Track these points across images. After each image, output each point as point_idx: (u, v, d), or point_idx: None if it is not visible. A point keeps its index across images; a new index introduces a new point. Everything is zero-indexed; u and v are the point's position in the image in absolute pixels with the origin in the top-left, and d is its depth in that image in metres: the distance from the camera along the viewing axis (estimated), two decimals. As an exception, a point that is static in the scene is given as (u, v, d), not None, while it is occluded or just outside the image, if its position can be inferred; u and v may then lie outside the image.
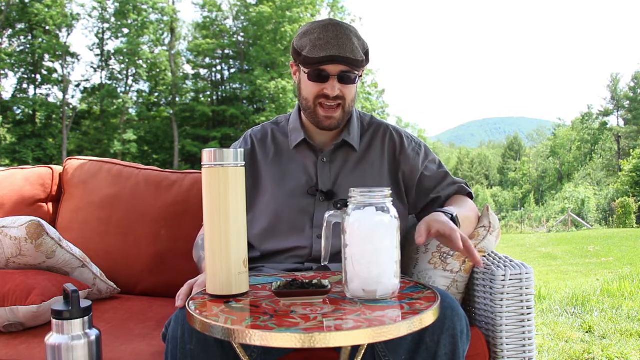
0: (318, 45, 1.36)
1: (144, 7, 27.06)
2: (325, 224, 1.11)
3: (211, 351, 1.08)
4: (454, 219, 1.24)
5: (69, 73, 28.09)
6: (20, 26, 26.08)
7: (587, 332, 3.12)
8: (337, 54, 1.35)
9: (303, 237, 1.45)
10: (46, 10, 24.93)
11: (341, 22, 1.43)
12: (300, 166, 1.51)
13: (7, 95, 26.32)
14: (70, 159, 2.10)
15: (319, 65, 1.38)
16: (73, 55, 27.91)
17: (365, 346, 1.06)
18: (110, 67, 28.75)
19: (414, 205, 1.56)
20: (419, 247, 1.55)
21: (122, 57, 27.89)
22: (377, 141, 1.55)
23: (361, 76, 1.49)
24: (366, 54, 1.43)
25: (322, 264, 1.17)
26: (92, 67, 28.78)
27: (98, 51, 28.53)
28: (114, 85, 28.47)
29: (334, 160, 1.51)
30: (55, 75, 27.25)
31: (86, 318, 1.03)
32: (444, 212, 1.24)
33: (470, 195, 1.57)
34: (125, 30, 27.68)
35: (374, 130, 1.57)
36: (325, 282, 1.05)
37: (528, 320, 1.32)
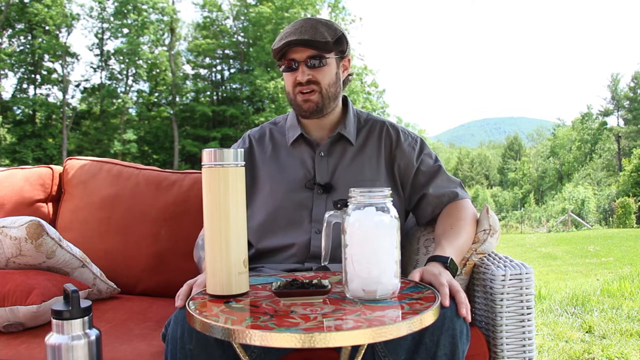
0: (282, 37, 1.44)
1: (144, 7, 27.06)
2: (325, 224, 1.11)
3: (211, 351, 1.08)
4: (448, 267, 1.23)
5: (68, 73, 28.14)
6: (20, 26, 26.10)
7: (587, 332, 3.12)
8: (295, 38, 1.41)
9: (301, 232, 1.46)
10: (46, 10, 24.92)
11: (314, 17, 1.51)
12: (298, 161, 1.53)
13: (7, 95, 26.36)
14: (70, 159, 2.10)
15: (285, 55, 1.45)
16: (73, 55, 27.93)
17: (365, 346, 1.06)
18: (110, 67, 28.77)
19: (409, 200, 1.56)
20: (419, 248, 1.55)
21: (122, 57, 27.90)
22: (373, 136, 1.56)
23: (345, 65, 1.51)
24: (338, 39, 1.45)
25: (322, 264, 1.17)
26: (92, 67, 28.82)
27: (98, 51, 28.56)
28: (114, 85, 28.49)
29: (331, 154, 1.53)
30: (55, 75, 27.27)
31: (86, 318, 1.03)
32: (439, 260, 1.24)
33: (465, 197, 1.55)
34: (125, 30, 27.69)
35: (371, 125, 1.59)
36: (325, 282, 1.05)
37: (528, 320, 1.32)
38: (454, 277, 1.21)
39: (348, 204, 1.04)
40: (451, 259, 1.25)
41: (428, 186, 1.52)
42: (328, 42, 1.42)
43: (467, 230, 1.41)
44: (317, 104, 1.46)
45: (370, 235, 1.00)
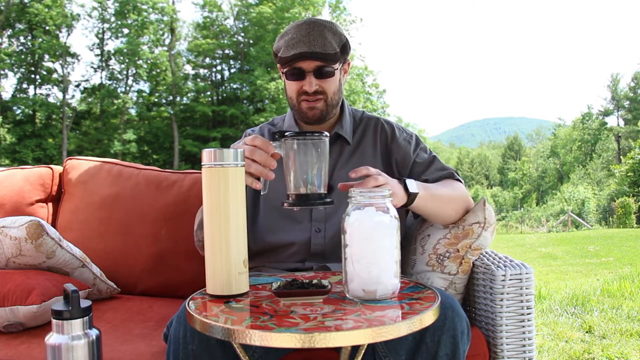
0: (290, 45, 1.41)
1: (144, 7, 27.07)
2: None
3: (213, 351, 1.07)
4: (409, 194, 1.26)
5: (68, 73, 28.16)
6: (20, 26, 26.09)
7: (587, 332, 3.12)
8: (306, 50, 1.38)
9: (302, 230, 1.48)
10: (46, 10, 24.94)
11: (317, 20, 1.46)
12: None
13: (7, 95, 26.38)
14: (70, 159, 2.09)
15: (292, 64, 1.42)
16: (73, 55, 27.96)
17: (365, 346, 1.06)
18: (110, 67, 28.80)
19: None
20: (415, 248, 1.55)
21: (122, 57, 27.91)
22: (369, 133, 1.58)
23: (345, 69, 1.52)
24: (343, 47, 1.45)
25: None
26: (92, 67, 28.86)
27: (98, 51, 28.59)
28: (114, 85, 28.50)
29: (329, 154, 1.53)
30: (55, 75, 27.30)
31: (86, 318, 1.03)
32: (403, 185, 1.27)
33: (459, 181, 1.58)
34: (125, 31, 27.70)
35: (366, 123, 1.61)
36: (325, 282, 1.05)
37: (528, 320, 1.32)
38: (405, 208, 1.27)
39: (285, 135, 1.12)
40: (417, 194, 1.28)
41: (425, 173, 1.54)
42: (337, 53, 1.42)
43: (453, 194, 1.44)
44: (322, 111, 1.47)
45: (370, 235, 1.00)
